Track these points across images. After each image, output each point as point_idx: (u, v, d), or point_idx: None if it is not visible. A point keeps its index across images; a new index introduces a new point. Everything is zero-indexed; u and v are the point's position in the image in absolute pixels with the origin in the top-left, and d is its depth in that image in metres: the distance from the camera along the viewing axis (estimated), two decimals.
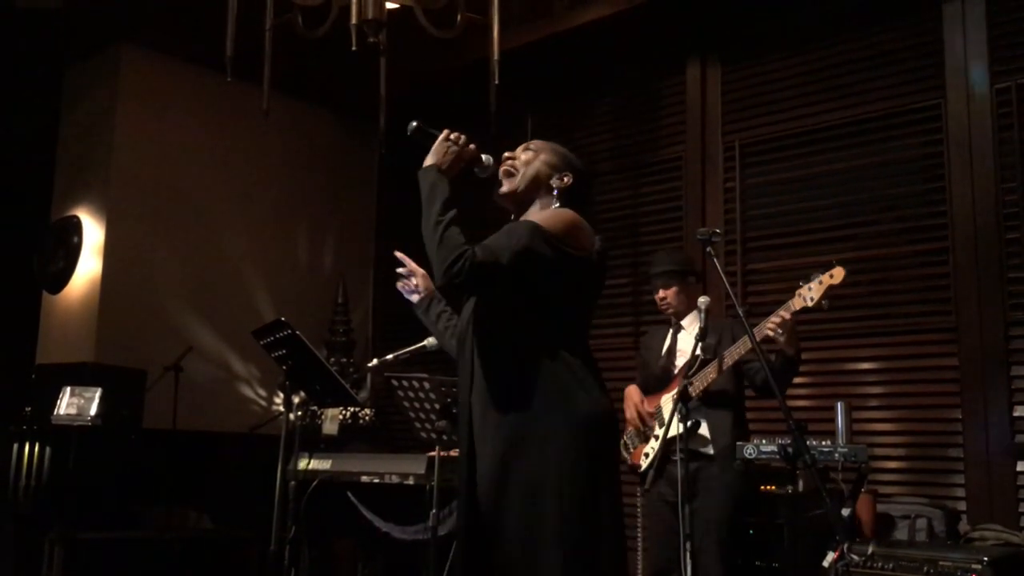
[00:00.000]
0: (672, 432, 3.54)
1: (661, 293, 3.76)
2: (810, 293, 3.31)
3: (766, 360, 3.14)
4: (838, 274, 3.29)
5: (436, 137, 2.22)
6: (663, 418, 3.63)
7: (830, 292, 3.31)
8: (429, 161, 2.20)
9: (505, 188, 2.29)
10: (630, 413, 3.75)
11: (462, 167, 2.24)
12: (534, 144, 2.33)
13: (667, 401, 3.64)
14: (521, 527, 2.00)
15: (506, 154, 2.31)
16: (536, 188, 2.28)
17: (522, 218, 2.25)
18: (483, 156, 2.27)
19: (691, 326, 3.73)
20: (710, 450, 3.50)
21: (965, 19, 4.41)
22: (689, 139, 5.29)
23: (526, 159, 2.29)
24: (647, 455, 3.65)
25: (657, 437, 3.61)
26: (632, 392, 3.80)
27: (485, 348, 2.16)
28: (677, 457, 3.10)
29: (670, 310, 3.76)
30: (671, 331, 3.79)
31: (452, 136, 2.21)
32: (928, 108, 4.49)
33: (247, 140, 6.23)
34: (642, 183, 5.49)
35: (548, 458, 2.01)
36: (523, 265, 2.05)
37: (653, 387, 3.74)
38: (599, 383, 2.14)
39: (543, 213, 2.20)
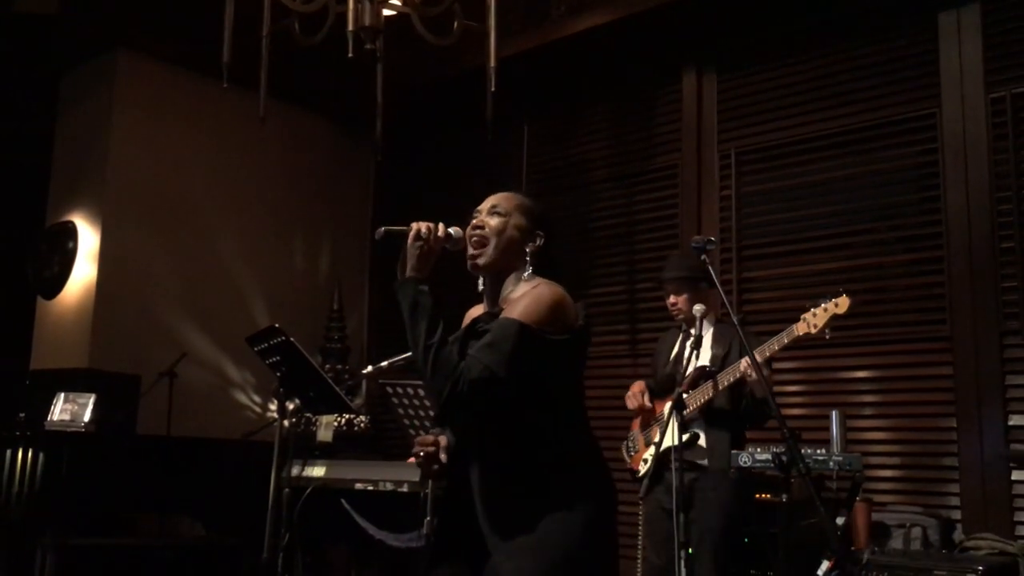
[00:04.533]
0: (670, 442, 3.54)
1: (672, 299, 3.73)
2: (814, 319, 3.28)
3: (764, 381, 3.12)
4: (843, 304, 3.23)
5: (406, 234, 2.11)
6: (664, 425, 3.62)
7: (833, 322, 3.27)
8: (405, 273, 2.11)
9: (480, 261, 2.17)
10: (628, 403, 3.73)
11: (436, 258, 2.15)
12: (502, 206, 2.20)
13: (669, 408, 3.63)
14: None
15: (474, 222, 2.19)
16: (510, 256, 2.17)
17: (501, 302, 2.17)
18: (451, 231, 2.16)
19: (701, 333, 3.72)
20: (706, 463, 3.49)
21: (960, 29, 4.42)
22: (685, 147, 5.29)
23: (496, 226, 2.16)
24: (645, 461, 3.65)
25: (658, 445, 3.61)
26: (635, 385, 3.78)
27: (491, 439, 2.11)
28: (673, 467, 3.09)
29: (680, 316, 3.73)
30: (680, 337, 3.76)
31: (423, 232, 2.11)
32: (923, 117, 4.50)
33: (243, 146, 6.23)
34: (637, 191, 5.49)
35: (566, 540, 2.01)
36: (517, 370, 1.99)
37: (659, 392, 3.73)
38: (598, 452, 2.17)
39: (524, 302, 2.06)
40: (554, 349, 2.05)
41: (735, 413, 3.57)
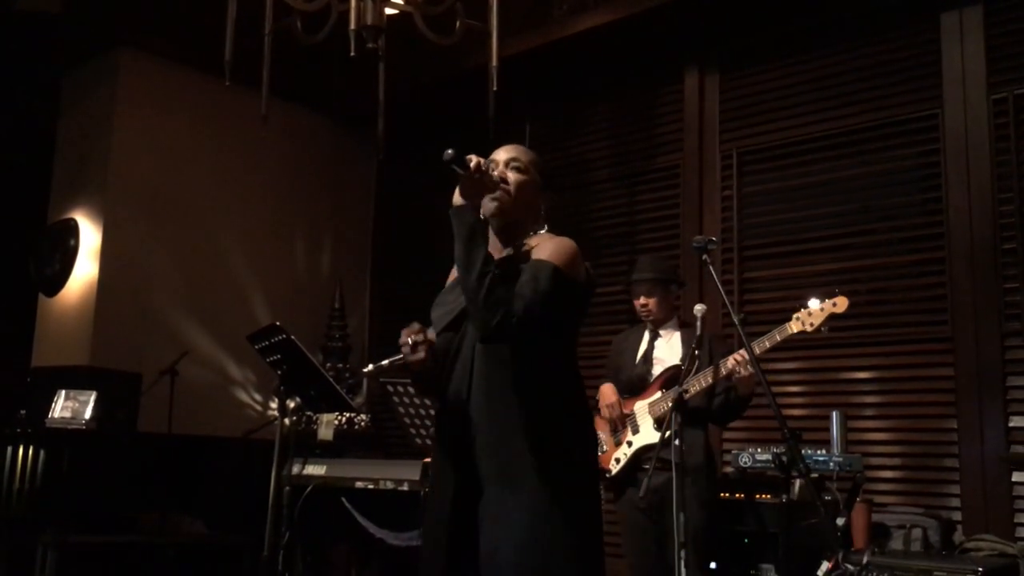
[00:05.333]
0: (647, 440, 3.54)
1: (642, 300, 3.75)
2: (810, 319, 3.30)
3: (762, 377, 3.12)
4: (841, 303, 3.26)
5: (467, 165, 2.10)
6: (636, 424, 3.62)
7: (830, 321, 3.29)
8: (462, 199, 2.12)
9: (501, 209, 2.21)
10: (606, 412, 3.72)
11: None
12: (521, 160, 2.25)
13: (641, 408, 3.63)
14: (535, 545, 2.01)
15: (497, 172, 2.21)
16: (526, 210, 2.25)
17: (534, 245, 2.21)
18: (495, 174, 2.21)
19: (669, 334, 3.74)
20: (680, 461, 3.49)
21: (963, 30, 4.42)
22: (687, 147, 5.29)
23: (517, 181, 2.22)
24: (618, 460, 3.64)
25: (630, 444, 3.61)
26: (608, 391, 3.76)
27: (498, 373, 2.13)
28: (673, 465, 3.08)
29: (650, 317, 3.76)
30: (647, 337, 3.78)
31: (483, 166, 2.13)
32: (925, 118, 4.50)
33: (245, 145, 6.23)
34: (639, 191, 5.49)
35: (565, 477, 2.09)
36: (551, 309, 2.08)
37: (625, 391, 3.73)
38: (587, 403, 2.31)
39: (549, 246, 2.17)
40: (576, 293, 2.17)
41: (708, 410, 3.59)
